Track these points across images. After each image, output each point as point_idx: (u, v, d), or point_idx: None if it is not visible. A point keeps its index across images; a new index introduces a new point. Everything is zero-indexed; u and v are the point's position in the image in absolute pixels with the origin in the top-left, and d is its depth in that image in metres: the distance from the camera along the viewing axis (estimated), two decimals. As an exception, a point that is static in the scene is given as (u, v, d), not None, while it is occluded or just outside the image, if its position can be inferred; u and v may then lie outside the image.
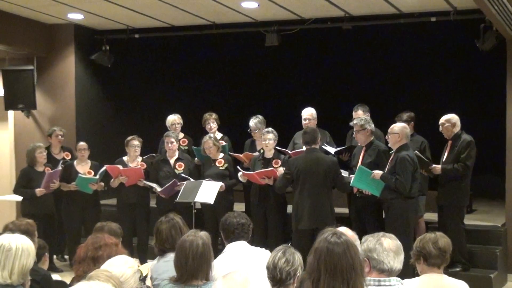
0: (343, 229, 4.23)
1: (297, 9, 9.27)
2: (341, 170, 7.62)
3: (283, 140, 8.45)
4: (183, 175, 8.35)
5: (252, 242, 5.19)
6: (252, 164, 8.22)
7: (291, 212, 7.55)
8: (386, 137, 7.35)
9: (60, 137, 9.26)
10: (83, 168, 8.75)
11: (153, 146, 9.31)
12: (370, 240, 3.47)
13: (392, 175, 7.04)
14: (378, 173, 7.15)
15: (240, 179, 8.22)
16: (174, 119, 9.11)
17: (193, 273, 4.09)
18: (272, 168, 7.91)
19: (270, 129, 8.14)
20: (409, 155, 7.08)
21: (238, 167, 8.30)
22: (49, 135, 9.35)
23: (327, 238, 3.11)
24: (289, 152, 8.31)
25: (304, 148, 7.80)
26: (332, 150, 8.16)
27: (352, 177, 7.40)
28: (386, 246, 3.42)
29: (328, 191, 7.41)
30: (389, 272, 3.39)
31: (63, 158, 9.20)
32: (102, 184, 8.73)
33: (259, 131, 8.53)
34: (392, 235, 3.53)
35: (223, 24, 10.21)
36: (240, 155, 8.62)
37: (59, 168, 8.66)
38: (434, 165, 7.74)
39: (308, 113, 8.49)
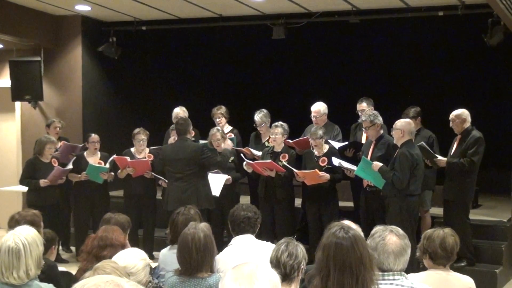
0: (346, 223, 4.23)
1: (304, 2, 9.24)
2: (342, 161, 7.63)
3: (291, 133, 8.43)
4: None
5: (260, 236, 5.17)
6: (262, 157, 8.22)
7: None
8: (391, 133, 7.35)
9: (58, 129, 9.25)
10: (94, 159, 8.75)
11: (159, 138, 9.31)
12: (376, 236, 3.43)
13: (392, 170, 7.06)
14: (377, 164, 7.17)
15: (245, 167, 8.22)
16: (178, 112, 9.08)
17: (197, 267, 4.10)
18: (270, 160, 7.88)
19: (279, 123, 8.05)
20: (409, 151, 7.06)
21: (241, 154, 8.29)
22: (47, 126, 9.34)
23: (335, 233, 3.06)
24: (290, 141, 8.32)
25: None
26: (336, 145, 8.14)
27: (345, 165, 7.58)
28: (389, 248, 3.35)
29: (193, 176, 7.54)
30: (389, 271, 3.36)
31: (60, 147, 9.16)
32: (112, 174, 8.75)
33: (265, 125, 8.54)
34: (400, 231, 3.47)
35: (230, 16, 10.18)
36: (243, 149, 8.61)
37: (70, 166, 8.60)
38: (439, 158, 7.71)
39: (315, 109, 8.42)
